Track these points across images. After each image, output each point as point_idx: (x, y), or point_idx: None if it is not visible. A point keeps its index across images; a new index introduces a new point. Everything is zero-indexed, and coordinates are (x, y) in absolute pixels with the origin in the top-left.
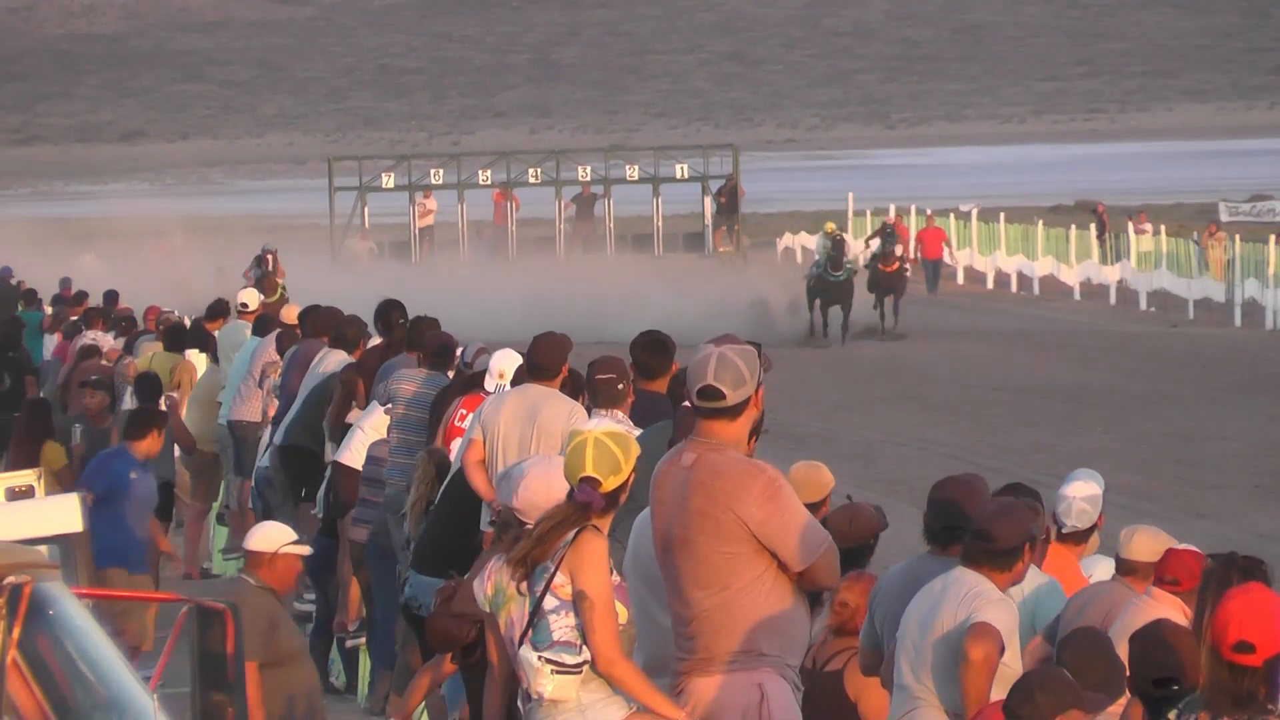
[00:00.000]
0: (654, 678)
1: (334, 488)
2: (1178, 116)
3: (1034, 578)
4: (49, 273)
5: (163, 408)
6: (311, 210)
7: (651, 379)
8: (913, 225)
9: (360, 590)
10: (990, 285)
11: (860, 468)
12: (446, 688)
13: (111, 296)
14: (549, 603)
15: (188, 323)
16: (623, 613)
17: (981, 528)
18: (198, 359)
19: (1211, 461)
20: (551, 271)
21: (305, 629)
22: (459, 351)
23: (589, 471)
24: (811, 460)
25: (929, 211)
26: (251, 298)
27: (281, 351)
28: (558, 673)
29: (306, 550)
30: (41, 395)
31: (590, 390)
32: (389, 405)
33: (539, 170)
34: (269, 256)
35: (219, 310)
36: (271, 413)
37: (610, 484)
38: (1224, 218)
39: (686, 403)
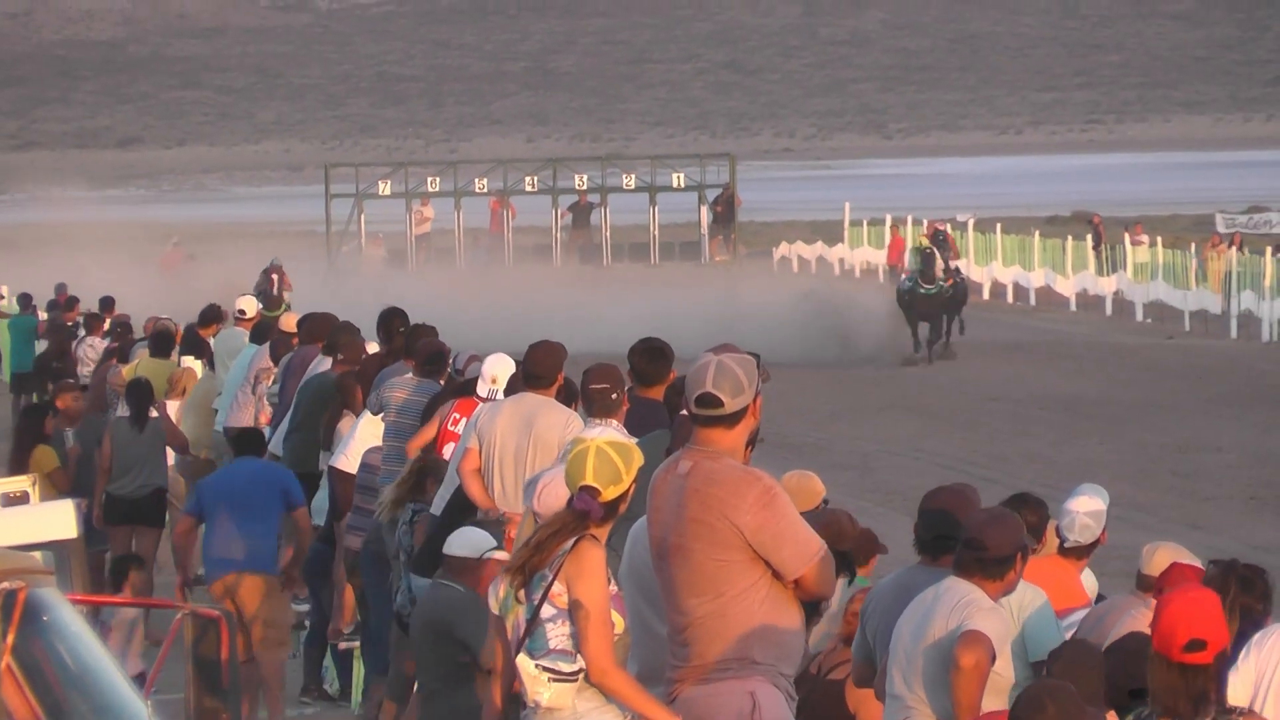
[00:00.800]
0: (648, 686)
1: (330, 492)
2: (1175, 128)
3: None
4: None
5: (154, 413)
6: (308, 217)
7: (649, 386)
8: (909, 235)
9: (355, 597)
10: (986, 295)
11: (855, 477)
12: None
13: (107, 303)
14: (546, 611)
15: (180, 329)
16: (619, 622)
17: (973, 537)
18: (194, 365)
19: (1207, 473)
20: (548, 279)
21: (299, 634)
22: (451, 358)
23: (589, 480)
24: (804, 470)
25: (926, 221)
26: (249, 304)
27: (276, 359)
28: (554, 680)
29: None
30: (36, 400)
31: (584, 399)
32: (382, 413)
33: (535, 178)
34: (274, 275)
35: (212, 316)
36: (264, 420)
37: (610, 493)
38: (1220, 229)
39: (684, 410)
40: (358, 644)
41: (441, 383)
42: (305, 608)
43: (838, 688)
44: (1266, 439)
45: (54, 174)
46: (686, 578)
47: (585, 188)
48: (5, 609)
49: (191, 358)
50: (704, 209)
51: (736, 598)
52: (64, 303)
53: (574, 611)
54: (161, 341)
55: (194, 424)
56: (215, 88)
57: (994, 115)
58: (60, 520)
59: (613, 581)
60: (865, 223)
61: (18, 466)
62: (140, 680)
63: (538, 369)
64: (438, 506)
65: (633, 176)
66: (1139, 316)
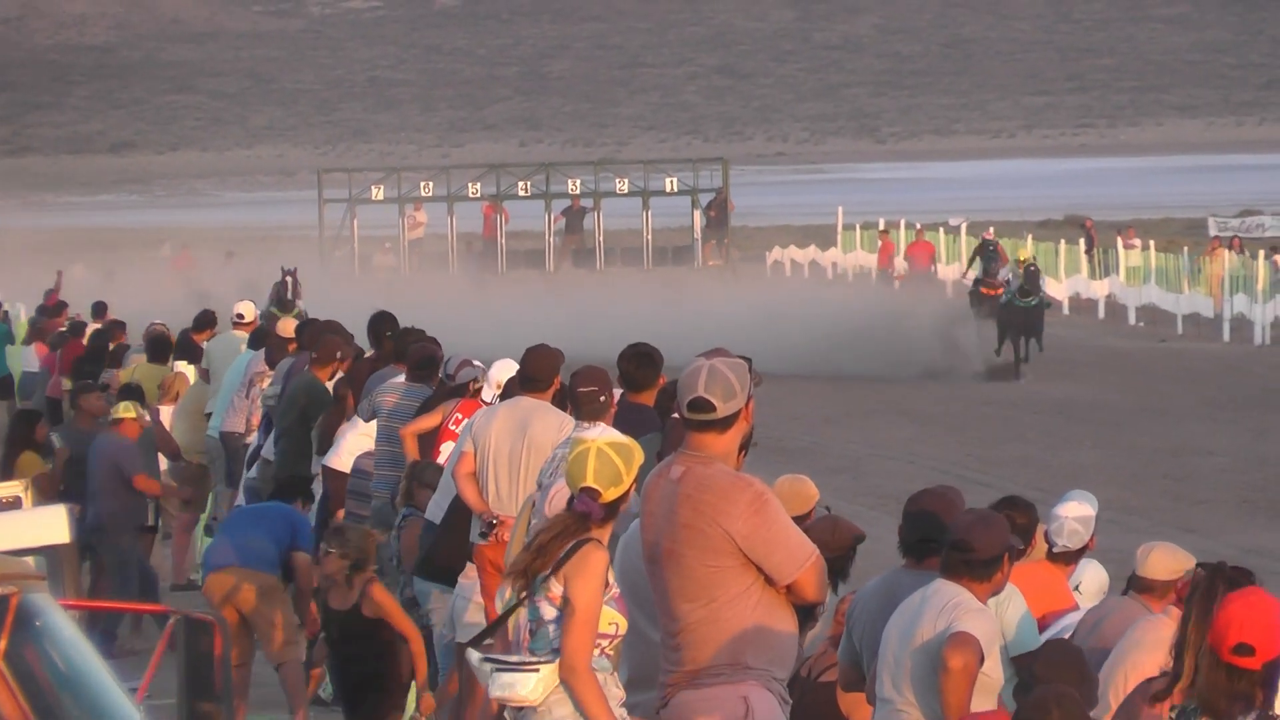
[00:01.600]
0: (639, 691)
1: (323, 491)
2: (1167, 131)
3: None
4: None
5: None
6: (301, 222)
7: (639, 391)
8: (902, 239)
9: None
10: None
11: (849, 481)
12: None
13: (100, 308)
14: (548, 612)
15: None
16: (622, 622)
17: (960, 538)
18: (187, 370)
19: (1199, 476)
20: (541, 284)
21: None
22: (443, 363)
23: (589, 482)
24: (797, 474)
25: (919, 226)
26: (248, 309)
27: (272, 363)
28: (529, 670)
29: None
30: (29, 406)
31: (572, 402)
32: (374, 419)
33: (528, 183)
34: (288, 280)
35: (206, 321)
36: (255, 421)
37: (610, 494)
38: (1213, 233)
39: (676, 415)
40: None
41: (433, 387)
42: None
43: (829, 690)
44: (1259, 443)
45: (47, 179)
46: (679, 583)
47: (578, 192)
48: None
49: (185, 362)
50: (697, 213)
51: (729, 603)
52: (52, 307)
53: (563, 609)
54: (157, 346)
55: (185, 429)
56: (208, 92)
57: (986, 119)
58: (53, 525)
59: (615, 584)
60: (858, 227)
61: (5, 472)
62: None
63: (534, 373)
64: (433, 513)
65: (626, 181)
66: (1131, 320)
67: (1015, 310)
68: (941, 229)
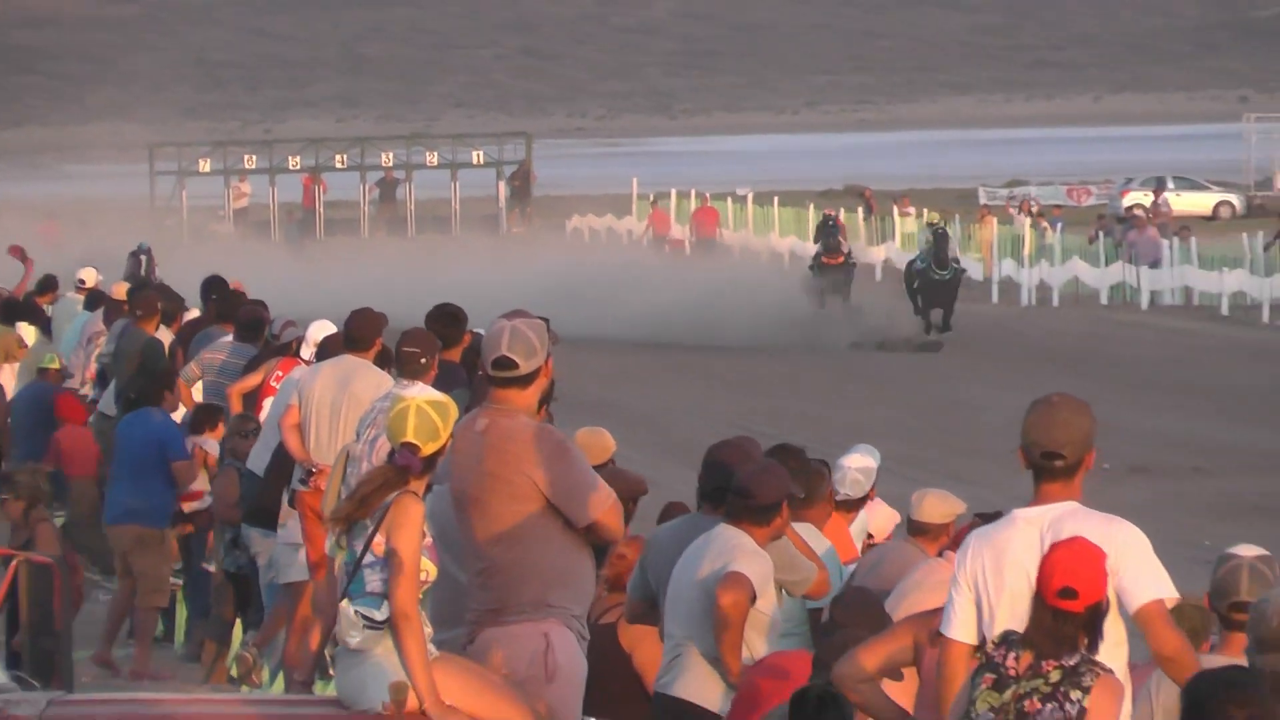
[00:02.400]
0: (446, 628)
1: None
2: (941, 108)
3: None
4: None
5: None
6: (133, 194)
7: (446, 349)
8: (690, 207)
9: (178, 546)
10: (764, 261)
11: (644, 433)
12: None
13: None
14: (367, 558)
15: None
16: (431, 569)
17: (742, 486)
18: (27, 330)
19: (971, 430)
20: (357, 250)
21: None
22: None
23: (410, 437)
24: (595, 426)
25: (707, 194)
26: (89, 274)
27: (108, 324)
28: (367, 627)
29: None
30: None
31: (397, 360)
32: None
33: (345, 156)
34: (142, 258)
35: (49, 285)
36: (90, 376)
37: (429, 449)
38: (982, 201)
39: (481, 372)
40: (179, 587)
41: (259, 347)
42: None
43: (611, 631)
44: (1025, 399)
45: None
46: (485, 527)
47: (391, 165)
48: None
49: (25, 324)
50: (502, 184)
51: (532, 545)
52: None
53: (389, 559)
54: (6, 310)
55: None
56: (48, 74)
57: (773, 97)
58: None
59: (427, 534)
60: (652, 197)
61: None
62: None
63: (357, 333)
64: (255, 463)
65: (436, 154)
66: None
67: (930, 281)
68: (729, 198)
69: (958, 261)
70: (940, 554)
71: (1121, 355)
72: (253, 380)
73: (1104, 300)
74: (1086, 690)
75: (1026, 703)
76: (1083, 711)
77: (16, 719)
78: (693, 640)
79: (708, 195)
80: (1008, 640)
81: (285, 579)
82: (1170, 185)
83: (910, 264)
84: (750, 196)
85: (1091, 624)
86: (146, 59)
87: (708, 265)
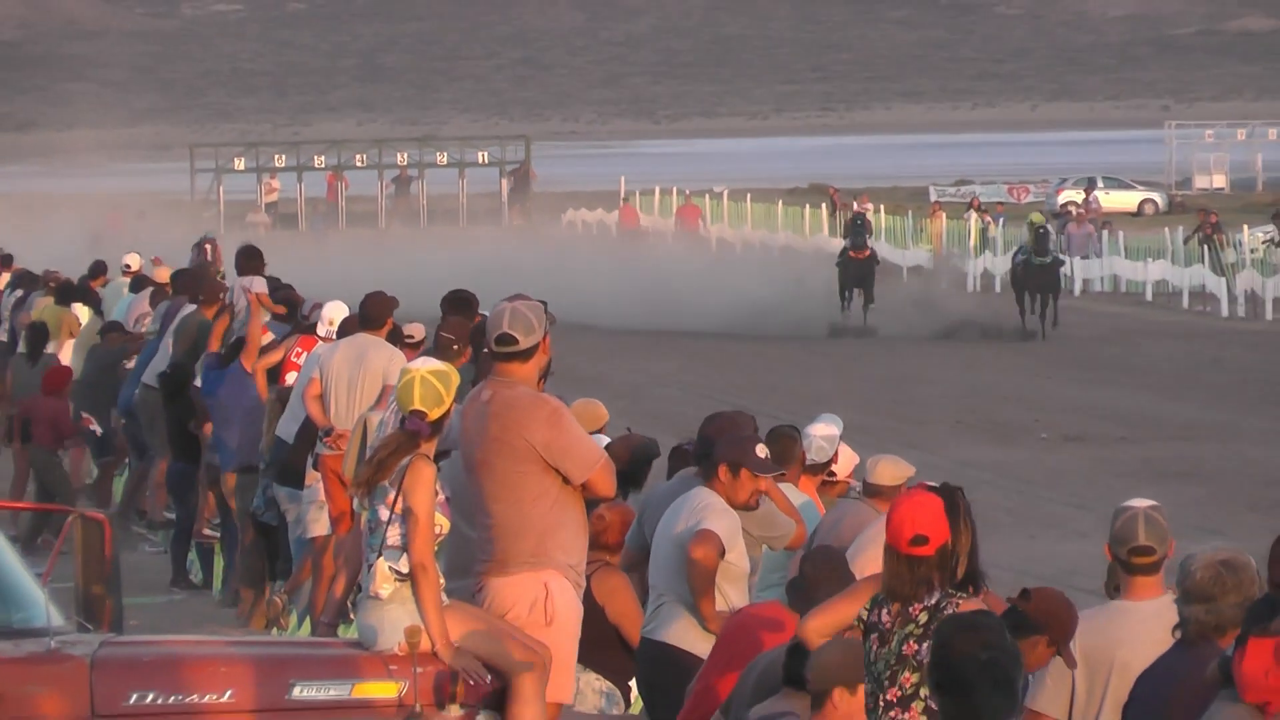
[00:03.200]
0: (457, 578)
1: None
2: (895, 114)
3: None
4: None
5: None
6: (175, 189)
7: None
8: (673, 203)
9: (216, 501)
10: (739, 252)
11: (629, 405)
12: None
13: (6, 259)
14: (385, 515)
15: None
16: (445, 523)
17: (708, 451)
18: (82, 311)
19: (920, 401)
20: (375, 239)
21: (168, 533)
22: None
23: (416, 405)
24: (589, 398)
25: (688, 191)
26: (134, 260)
27: (153, 305)
28: (398, 580)
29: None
30: None
31: (435, 343)
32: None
33: (364, 156)
34: (207, 246)
35: (98, 270)
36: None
37: (435, 414)
38: (933, 198)
39: (486, 349)
40: (218, 539)
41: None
42: (172, 516)
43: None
44: (968, 373)
45: None
46: (491, 487)
47: (406, 164)
48: None
49: (80, 304)
50: (504, 181)
51: (533, 502)
52: None
53: (405, 517)
54: (63, 291)
55: (82, 359)
56: (98, 81)
57: (745, 104)
58: None
59: (440, 492)
60: (638, 193)
61: None
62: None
63: (371, 314)
64: (284, 430)
65: (445, 155)
66: None
67: (1031, 269)
68: (707, 195)
69: (1057, 254)
70: None
71: (1056, 336)
72: (274, 356)
73: None
74: None
75: (904, 646)
76: None
77: (72, 658)
78: (673, 591)
79: (689, 192)
80: (875, 601)
81: (311, 534)
82: (1100, 184)
83: (1014, 259)
84: (725, 194)
85: (942, 564)
86: (186, 68)
87: (691, 256)
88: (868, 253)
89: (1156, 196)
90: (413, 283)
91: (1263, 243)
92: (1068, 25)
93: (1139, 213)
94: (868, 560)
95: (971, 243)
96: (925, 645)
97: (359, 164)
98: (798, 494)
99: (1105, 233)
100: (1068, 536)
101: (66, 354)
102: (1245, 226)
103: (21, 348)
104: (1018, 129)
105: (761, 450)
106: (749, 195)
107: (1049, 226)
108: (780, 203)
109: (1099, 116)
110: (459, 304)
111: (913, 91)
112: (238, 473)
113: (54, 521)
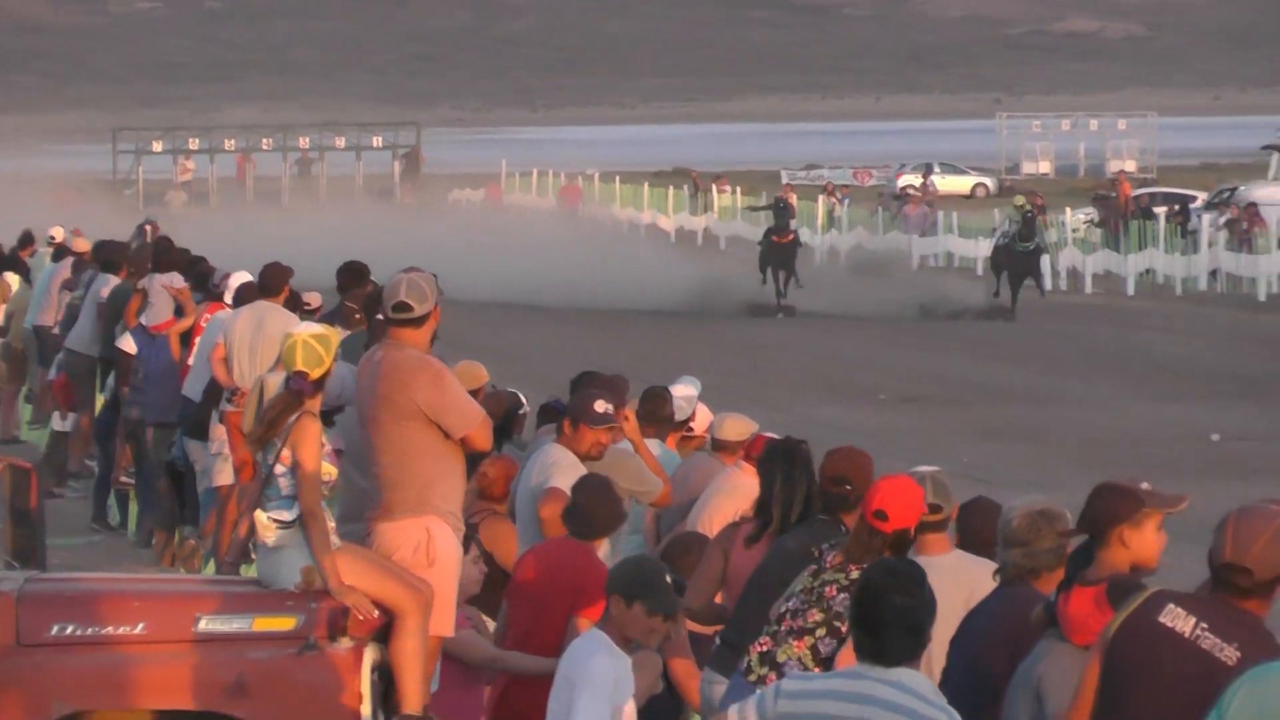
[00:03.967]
0: (350, 523)
1: (116, 368)
2: (751, 105)
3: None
4: None
5: None
6: (97, 169)
7: (352, 296)
8: (552, 184)
9: (132, 451)
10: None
11: (507, 368)
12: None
13: None
14: (278, 469)
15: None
16: (333, 471)
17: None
18: (12, 278)
19: (773, 365)
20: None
21: (89, 480)
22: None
23: (299, 366)
24: (471, 360)
25: (563, 175)
26: (58, 232)
27: (75, 274)
28: (280, 527)
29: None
30: None
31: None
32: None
33: (270, 140)
34: (148, 227)
35: (26, 240)
36: (60, 318)
37: (316, 374)
38: (784, 181)
39: (380, 316)
40: (133, 486)
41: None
42: (94, 463)
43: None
44: (820, 340)
45: None
46: (379, 441)
47: (308, 147)
48: None
49: (10, 273)
50: (396, 163)
51: (417, 456)
52: None
53: (295, 470)
54: None
55: (15, 324)
56: (34, 72)
57: (616, 95)
58: None
59: (326, 444)
60: (517, 175)
61: None
62: None
63: (268, 282)
64: (191, 389)
65: (343, 139)
66: (722, 246)
67: (1014, 254)
68: (580, 177)
69: (1040, 239)
70: (737, 465)
71: (893, 307)
72: (187, 322)
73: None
74: None
75: (827, 588)
76: None
77: (1, 594)
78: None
79: (568, 174)
80: (830, 542)
81: (216, 483)
82: (936, 169)
83: (996, 242)
84: (596, 176)
85: (896, 545)
86: (112, 60)
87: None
88: (791, 236)
89: (988, 181)
90: (313, 255)
91: (1083, 223)
92: (909, 25)
93: (971, 195)
94: (715, 508)
95: (819, 222)
96: (842, 596)
97: (265, 147)
98: (668, 452)
99: (940, 213)
100: None
101: None
102: (1068, 209)
103: None
104: (863, 119)
105: (601, 406)
106: (618, 177)
107: (1034, 210)
108: (646, 184)
109: (937, 108)
110: (353, 274)
111: (769, 85)
112: (154, 427)
113: None
